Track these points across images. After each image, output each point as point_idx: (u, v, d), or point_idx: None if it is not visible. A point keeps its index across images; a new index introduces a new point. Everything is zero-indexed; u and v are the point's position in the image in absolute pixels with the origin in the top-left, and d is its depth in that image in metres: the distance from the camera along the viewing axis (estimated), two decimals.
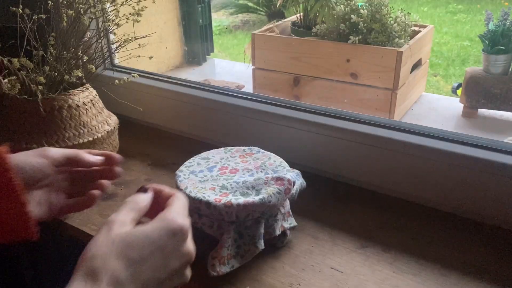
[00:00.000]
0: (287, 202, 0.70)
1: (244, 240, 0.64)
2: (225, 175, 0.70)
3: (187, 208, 0.46)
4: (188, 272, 0.45)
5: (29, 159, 0.54)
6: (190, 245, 0.44)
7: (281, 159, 0.74)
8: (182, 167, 0.73)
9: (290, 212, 0.70)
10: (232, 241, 0.63)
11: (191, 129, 1.01)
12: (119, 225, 0.41)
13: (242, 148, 0.78)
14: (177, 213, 0.44)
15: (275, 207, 0.65)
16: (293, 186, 0.68)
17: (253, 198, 0.63)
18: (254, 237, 0.64)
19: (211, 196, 0.64)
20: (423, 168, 0.74)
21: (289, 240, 0.69)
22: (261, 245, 0.64)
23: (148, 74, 1.07)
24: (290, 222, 0.69)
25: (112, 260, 0.38)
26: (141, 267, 0.39)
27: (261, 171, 0.70)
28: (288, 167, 0.72)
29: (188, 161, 0.75)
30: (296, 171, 0.74)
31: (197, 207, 0.64)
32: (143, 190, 0.48)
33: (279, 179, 0.66)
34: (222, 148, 0.78)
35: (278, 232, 0.67)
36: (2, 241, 0.48)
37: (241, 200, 0.63)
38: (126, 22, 0.85)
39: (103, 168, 0.63)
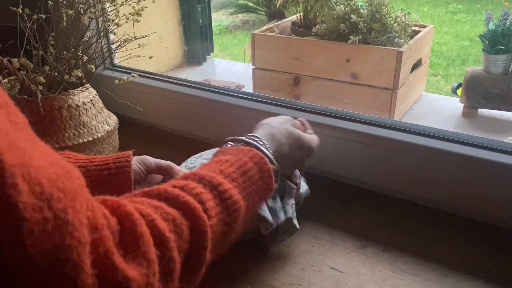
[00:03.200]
0: (292, 201, 0.69)
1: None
2: None
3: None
4: (296, 177, 0.64)
5: (134, 164, 0.65)
6: (311, 140, 0.64)
7: None
8: (183, 169, 0.73)
9: (296, 214, 0.69)
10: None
11: (191, 129, 1.01)
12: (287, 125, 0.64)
13: None
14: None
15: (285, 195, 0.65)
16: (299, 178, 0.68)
17: None
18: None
19: None
20: (423, 168, 0.74)
21: (284, 240, 0.68)
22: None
23: (148, 74, 1.06)
24: (295, 222, 0.69)
25: (274, 131, 0.60)
26: (290, 146, 0.60)
27: None
28: None
29: (190, 161, 0.75)
30: (302, 177, 0.74)
31: None
32: None
33: None
34: None
35: (282, 218, 0.66)
36: None
37: None
38: (126, 22, 0.85)
39: None
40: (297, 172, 0.68)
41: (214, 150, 0.77)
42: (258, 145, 0.55)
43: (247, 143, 0.56)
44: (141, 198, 0.41)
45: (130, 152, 0.66)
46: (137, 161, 0.66)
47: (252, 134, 0.59)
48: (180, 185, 0.44)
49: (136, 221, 0.36)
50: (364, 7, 1.87)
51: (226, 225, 0.44)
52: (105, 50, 1.06)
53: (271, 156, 0.55)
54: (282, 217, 0.64)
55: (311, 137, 0.65)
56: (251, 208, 0.49)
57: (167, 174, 0.70)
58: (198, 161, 0.75)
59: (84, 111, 0.84)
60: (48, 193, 0.29)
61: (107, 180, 0.61)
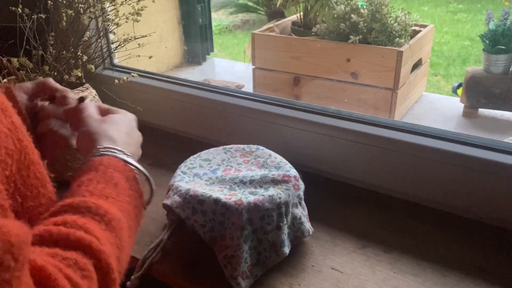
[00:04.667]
0: (304, 204, 0.69)
1: (264, 246, 0.63)
2: (230, 175, 0.69)
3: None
4: (140, 151, 0.59)
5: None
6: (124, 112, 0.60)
7: (281, 157, 0.74)
8: (183, 168, 0.73)
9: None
10: (249, 251, 0.62)
11: (191, 129, 1.01)
12: (97, 116, 0.56)
13: (241, 146, 0.77)
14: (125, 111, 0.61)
15: (288, 204, 0.64)
16: (299, 181, 0.68)
17: (262, 196, 0.63)
18: (276, 244, 0.63)
19: (221, 195, 0.64)
20: (423, 168, 0.74)
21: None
22: (284, 252, 0.63)
23: (148, 74, 1.06)
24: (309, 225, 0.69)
25: (114, 131, 0.53)
26: (130, 137, 0.55)
27: (264, 169, 0.70)
28: (289, 164, 0.72)
29: (189, 161, 0.75)
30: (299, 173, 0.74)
31: (195, 204, 0.64)
32: (82, 99, 0.59)
33: (285, 176, 0.66)
34: (221, 148, 0.78)
35: (307, 234, 0.66)
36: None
37: (251, 198, 0.62)
38: (126, 21, 0.85)
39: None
40: (293, 171, 0.68)
41: (212, 150, 0.77)
42: (114, 153, 0.49)
43: (102, 155, 0.50)
44: (33, 248, 0.37)
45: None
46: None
47: (104, 145, 0.52)
48: (60, 222, 0.39)
49: (52, 276, 0.34)
50: (365, 7, 1.86)
51: (118, 248, 0.41)
52: (105, 50, 1.06)
53: (130, 161, 0.50)
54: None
55: (121, 111, 0.60)
56: (130, 220, 0.46)
57: (46, 91, 0.63)
58: (197, 161, 0.75)
59: None
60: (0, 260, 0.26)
61: None
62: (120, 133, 0.53)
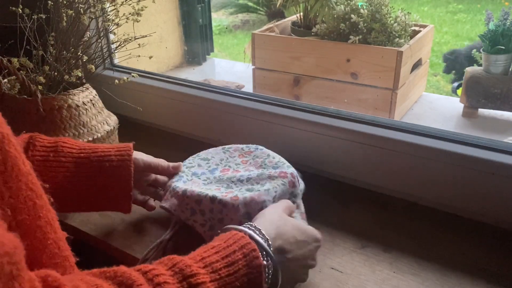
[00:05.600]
0: (301, 203, 0.69)
1: None
2: (228, 175, 0.70)
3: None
4: (307, 276, 0.58)
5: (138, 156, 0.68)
6: (316, 257, 0.58)
7: (280, 156, 0.74)
8: (182, 168, 0.73)
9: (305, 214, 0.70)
10: None
11: (191, 129, 1.01)
12: (287, 213, 0.57)
13: (240, 146, 0.78)
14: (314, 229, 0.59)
15: (282, 198, 0.64)
16: (297, 180, 0.68)
17: (258, 191, 0.63)
18: None
19: (218, 193, 0.64)
20: (423, 168, 0.74)
21: None
22: None
23: (148, 74, 1.06)
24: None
25: (278, 226, 0.51)
26: (294, 245, 0.52)
27: (262, 169, 0.70)
28: (288, 163, 0.72)
29: (188, 161, 0.75)
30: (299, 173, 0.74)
31: (193, 204, 0.64)
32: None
33: (282, 172, 0.67)
34: (220, 147, 0.78)
35: None
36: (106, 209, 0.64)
37: (247, 194, 0.62)
38: (126, 22, 0.85)
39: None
40: (291, 170, 0.68)
41: (211, 150, 0.77)
42: (252, 233, 0.47)
43: (240, 230, 0.48)
44: (86, 277, 0.37)
45: (131, 144, 0.66)
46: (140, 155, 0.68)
47: (251, 222, 0.51)
48: (146, 270, 0.39)
49: None
50: (364, 7, 1.86)
51: None
52: (105, 50, 1.06)
53: (267, 248, 0.46)
54: None
55: (311, 228, 0.59)
56: None
57: (157, 172, 0.70)
58: (196, 161, 0.75)
59: (84, 111, 0.84)
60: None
61: (108, 171, 0.61)
62: (282, 231, 0.51)
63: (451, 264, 0.64)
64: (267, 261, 0.46)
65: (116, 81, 0.88)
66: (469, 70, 2.00)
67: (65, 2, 0.84)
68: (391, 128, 0.78)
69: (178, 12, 2.41)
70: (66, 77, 0.83)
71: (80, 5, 0.82)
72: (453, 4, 3.64)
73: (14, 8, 0.79)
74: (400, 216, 0.75)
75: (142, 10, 0.85)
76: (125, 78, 0.89)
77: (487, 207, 0.70)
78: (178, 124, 1.03)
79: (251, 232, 0.47)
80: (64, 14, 0.81)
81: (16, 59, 0.77)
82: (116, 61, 1.14)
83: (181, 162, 0.74)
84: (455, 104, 2.04)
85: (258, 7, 3.91)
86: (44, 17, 0.82)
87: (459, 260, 0.65)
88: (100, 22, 0.89)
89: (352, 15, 1.84)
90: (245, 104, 0.90)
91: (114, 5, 0.84)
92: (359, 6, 1.87)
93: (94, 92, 0.88)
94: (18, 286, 0.27)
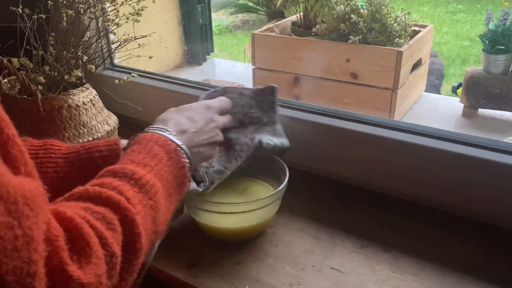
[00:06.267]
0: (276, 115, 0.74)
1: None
2: None
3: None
4: (216, 151, 0.66)
5: None
6: (218, 119, 0.67)
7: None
8: None
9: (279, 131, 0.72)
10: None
11: None
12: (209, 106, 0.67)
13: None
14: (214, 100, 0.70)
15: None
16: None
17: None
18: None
19: None
20: (423, 168, 0.74)
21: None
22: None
23: (148, 74, 1.06)
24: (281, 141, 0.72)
25: (174, 114, 0.62)
26: (191, 122, 0.61)
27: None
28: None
29: None
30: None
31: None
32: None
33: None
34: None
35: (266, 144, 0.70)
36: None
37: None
38: (126, 22, 0.85)
39: None
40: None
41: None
42: (159, 131, 0.57)
43: (147, 132, 0.58)
44: (68, 202, 0.43)
45: (118, 138, 0.67)
46: None
47: (151, 126, 0.60)
48: (98, 183, 0.46)
49: (79, 225, 0.38)
50: (364, 7, 1.86)
51: (151, 208, 0.47)
52: (105, 50, 1.06)
53: (171, 137, 0.56)
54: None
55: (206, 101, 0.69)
56: (169, 188, 0.52)
57: None
58: None
59: (84, 111, 0.84)
60: (20, 211, 0.31)
61: (98, 161, 0.62)
62: (177, 117, 0.61)
63: (451, 264, 0.64)
64: (177, 145, 0.56)
65: (116, 81, 0.89)
66: (469, 70, 2.00)
67: (65, 2, 0.84)
68: (391, 128, 0.78)
69: (178, 12, 2.41)
70: (66, 77, 0.83)
71: (80, 5, 0.82)
72: (453, 4, 3.64)
73: (14, 8, 0.79)
74: (400, 216, 0.75)
75: (142, 10, 0.85)
76: (125, 78, 0.89)
77: (487, 207, 0.70)
78: None
79: (155, 130, 0.57)
80: (64, 14, 0.81)
81: (16, 59, 0.77)
82: (116, 61, 1.14)
83: None
84: (455, 104, 2.04)
85: (258, 7, 3.91)
86: (44, 17, 0.82)
87: (459, 260, 0.65)
88: (100, 22, 0.89)
89: (352, 15, 1.84)
90: None
91: (114, 5, 0.84)
92: (359, 6, 1.87)
93: (94, 92, 0.88)
94: (32, 225, 0.31)
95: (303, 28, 2.09)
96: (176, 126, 0.59)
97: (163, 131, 0.57)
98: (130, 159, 0.51)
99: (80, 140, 0.81)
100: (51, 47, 0.82)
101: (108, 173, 0.48)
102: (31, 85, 0.77)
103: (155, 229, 0.48)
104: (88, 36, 0.89)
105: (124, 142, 0.64)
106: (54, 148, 0.62)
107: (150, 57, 0.89)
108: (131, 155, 0.52)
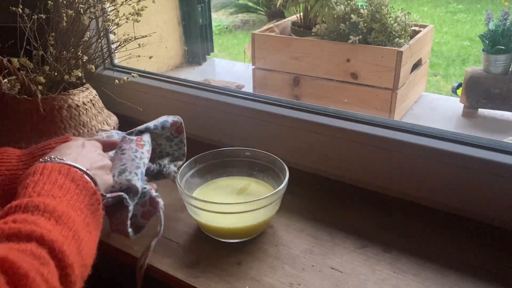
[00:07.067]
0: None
1: None
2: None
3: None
4: (110, 176, 0.61)
5: None
6: (100, 146, 0.63)
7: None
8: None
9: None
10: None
11: (191, 129, 1.01)
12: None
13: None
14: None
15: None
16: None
17: None
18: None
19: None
20: (423, 168, 0.74)
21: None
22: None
23: (148, 74, 1.06)
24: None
25: (64, 149, 0.56)
26: (80, 151, 0.57)
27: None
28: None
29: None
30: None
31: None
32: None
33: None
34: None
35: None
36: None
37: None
38: (126, 22, 0.85)
39: None
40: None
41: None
42: (56, 160, 0.53)
43: (45, 162, 0.54)
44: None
45: (69, 135, 0.67)
46: None
47: (46, 157, 0.56)
48: (11, 220, 0.42)
49: (16, 264, 0.36)
50: (364, 7, 1.86)
51: (74, 239, 0.44)
52: (105, 50, 1.06)
53: (74, 164, 0.53)
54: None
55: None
56: (84, 217, 0.49)
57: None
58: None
59: (84, 111, 0.84)
60: None
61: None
62: (70, 149, 0.56)
63: (451, 264, 0.64)
64: (82, 171, 0.53)
65: (116, 81, 0.89)
66: (469, 70, 2.00)
67: (65, 2, 0.84)
68: (391, 128, 0.78)
69: (178, 12, 2.41)
70: (66, 77, 0.83)
71: (80, 5, 0.82)
72: (453, 4, 3.64)
73: (14, 8, 0.79)
74: (400, 216, 0.75)
75: (142, 10, 0.85)
76: (125, 78, 0.89)
77: (487, 207, 0.70)
78: None
79: (53, 160, 0.53)
80: (64, 14, 0.81)
81: (16, 59, 0.77)
82: (116, 61, 1.14)
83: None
84: (455, 104, 2.04)
85: (258, 7, 3.91)
86: (44, 17, 0.82)
87: (459, 260, 0.65)
88: (100, 22, 0.89)
89: (352, 15, 1.84)
90: (245, 104, 0.90)
91: (114, 5, 0.84)
92: (359, 6, 1.87)
93: (94, 92, 0.89)
94: None
95: (303, 28, 2.09)
96: (70, 155, 0.55)
97: (61, 160, 0.53)
98: (36, 191, 0.47)
99: None
100: (51, 47, 0.82)
101: (15, 209, 0.44)
102: (31, 85, 0.77)
103: (82, 262, 0.45)
104: (88, 36, 0.89)
105: (76, 138, 0.64)
106: (8, 152, 0.62)
107: (150, 57, 0.89)
108: (35, 187, 0.47)
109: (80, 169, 0.52)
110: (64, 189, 0.48)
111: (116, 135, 0.72)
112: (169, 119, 0.72)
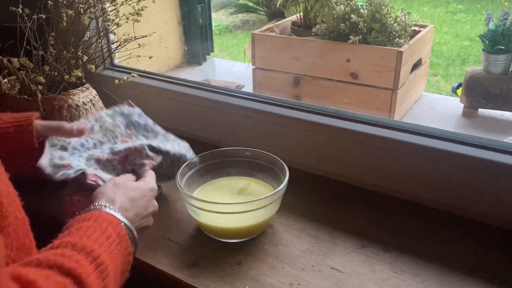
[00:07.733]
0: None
1: None
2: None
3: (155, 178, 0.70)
4: (152, 220, 0.66)
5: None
6: (155, 202, 0.67)
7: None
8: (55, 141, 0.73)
9: None
10: None
11: (191, 129, 1.01)
12: (120, 179, 0.66)
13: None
14: (151, 180, 0.69)
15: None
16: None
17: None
18: None
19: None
20: (423, 168, 0.74)
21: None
22: None
23: (148, 74, 1.06)
24: None
25: (119, 195, 0.60)
26: (135, 203, 0.61)
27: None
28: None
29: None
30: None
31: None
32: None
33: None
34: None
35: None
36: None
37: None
38: (126, 22, 0.85)
39: None
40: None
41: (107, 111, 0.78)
42: (112, 212, 0.57)
43: (100, 210, 0.58)
44: (26, 268, 0.43)
45: (34, 113, 0.69)
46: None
47: (102, 203, 0.60)
48: (60, 253, 0.46)
49: None
50: (364, 7, 1.86)
51: None
52: (105, 50, 1.06)
53: (125, 221, 0.58)
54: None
55: (146, 181, 0.68)
56: (115, 274, 0.52)
57: (60, 134, 0.70)
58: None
59: (84, 111, 0.84)
60: None
61: (7, 139, 0.66)
62: (123, 198, 0.61)
63: (451, 264, 0.64)
64: (127, 230, 0.57)
65: (116, 81, 0.89)
66: (469, 70, 2.00)
67: (65, 2, 0.84)
68: (391, 128, 0.78)
69: (178, 12, 2.41)
70: (66, 77, 0.83)
71: (80, 5, 0.82)
72: (453, 4, 3.64)
73: (14, 8, 0.79)
74: (400, 216, 0.75)
75: (142, 10, 0.85)
76: (125, 78, 0.89)
77: (487, 207, 0.70)
78: (178, 124, 1.03)
79: (107, 209, 0.57)
80: (64, 14, 0.81)
81: (16, 59, 0.77)
82: (116, 61, 1.14)
83: (86, 127, 0.72)
84: (455, 104, 2.04)
85: (258, 7, 3.91)
86: (44, 17, 0.82)
87: (459, 260, 0.65)
88: (100, 22, 0.89)
89: (352, 15, 1.84)
90: (245, 104, 0.90)
91: (114, 5, 0.84)
92: (359, 6, 1.87)
93: (94, 92, 0.89)
94: None
95: (303, 28, 2.09)
96: (122, 208, 0.59)
97: (113, 212, 0.57)
98: (86, 235, 0.51)
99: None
100: (51, 47, 0.82)
101: (66, 244, 0.48)
102: (31, 85, 0.77)
103: None
104: (88, 36, 0.89)
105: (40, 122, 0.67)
106: None
107: (150, 57, 0.89)
108: (87, 230, 0.52)
109: (127, 226, 0.57)
110: (109, 241, 0.52)
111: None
112: (188, 155, 0.77)
